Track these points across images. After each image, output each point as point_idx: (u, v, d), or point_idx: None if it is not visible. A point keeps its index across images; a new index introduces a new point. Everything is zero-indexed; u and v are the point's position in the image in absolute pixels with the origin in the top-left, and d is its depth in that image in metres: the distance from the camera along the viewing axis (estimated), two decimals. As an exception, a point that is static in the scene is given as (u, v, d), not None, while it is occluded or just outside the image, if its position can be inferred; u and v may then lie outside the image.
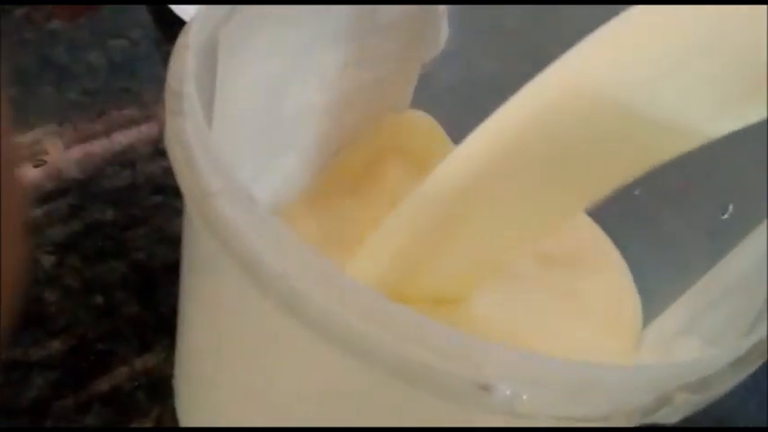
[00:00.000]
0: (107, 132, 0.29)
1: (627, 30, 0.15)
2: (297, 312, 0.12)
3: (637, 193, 0.21)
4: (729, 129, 0.15)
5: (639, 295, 0.23)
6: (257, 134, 0.20)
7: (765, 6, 0.13)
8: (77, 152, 0.28)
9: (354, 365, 0.12)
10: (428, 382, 0.12)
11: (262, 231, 0.12)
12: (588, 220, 0.24)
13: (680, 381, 0.12)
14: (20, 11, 0.32)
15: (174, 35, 0.15)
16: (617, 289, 0.22)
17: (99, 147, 0.29)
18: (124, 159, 0.28)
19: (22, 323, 0.11)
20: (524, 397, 0.11)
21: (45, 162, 0.28)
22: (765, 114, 0.14)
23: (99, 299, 0.25)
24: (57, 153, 0.28)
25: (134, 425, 0.22)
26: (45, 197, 0.27)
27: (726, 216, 0.20)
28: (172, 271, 0.23)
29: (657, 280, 0.22)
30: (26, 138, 0.28)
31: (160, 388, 0.23)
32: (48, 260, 0.25)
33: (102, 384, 0.23)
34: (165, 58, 0.15)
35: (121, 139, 0.29)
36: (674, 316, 0.20)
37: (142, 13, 0.34)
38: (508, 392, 0.11)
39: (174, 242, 0.26)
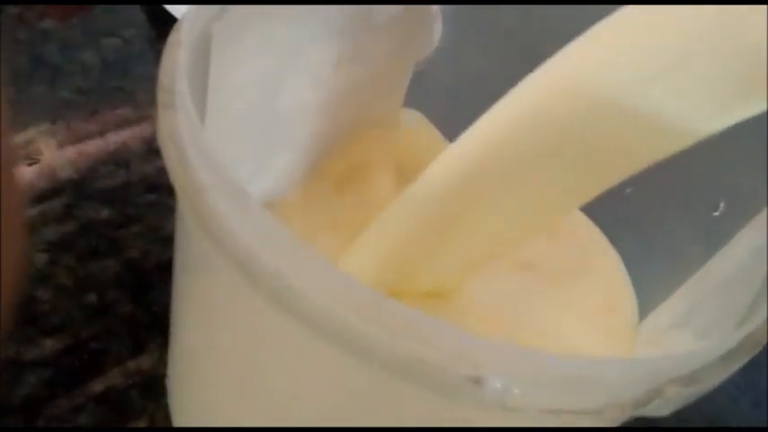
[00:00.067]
0: (100, 131, 0.29)
1: (622, 28, 0.15)
2: (289, 308, 0.12)
3: (628, 191, 0.22)
4: (724, 125, 0.15)
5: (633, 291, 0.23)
6: (250, 131, 0.20)
7: (764, 6, 0.13)
8: (71, 151, 0.28)
9: (347, 361, 0.12)
10: (420, 376, 0.12)
11: (254, 227, 0.12)
12: (582, 217, 0.24)
13: (671, 374, 0.12)
14: (12, 10, 0.32)
15: (167, 34, 0.15)
16: (613, 284, 0.23)
17: (92, 146, 0.29)
18: (118, 158, 0.28)
19: (15, 322, 0.11)
20: (516, 390, 0.11)
21: (38, 161, 0.28)
22: (763, 110, 0.14)
23: (92, 298, 0.24)
24: (50, 152, 0.28)
25: (127, 424, 0.22)
26: (38, 196, 0.26)
27: (717, 213, 0.20)
28: (166, 270, 0.23)
29: (651, 276, 0.22)
30: (19, 137, 0.28)
31: (154, 387, 0.23)
32: (41, 258, 0.25)
33: (96, 383, 0.23)
34: (158, 57, 0.15)
35: (115, 137, 0.29)
36: (667, 311, 0.20)
37: (135, 11, 0.34)
38: (499, 386, 0.11)
39: (168, 241, 0.25)
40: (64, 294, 0.24)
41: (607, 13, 0.16)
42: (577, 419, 0.12)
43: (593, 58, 0.16)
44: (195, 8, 0.16)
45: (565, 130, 0.16)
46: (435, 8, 0.24)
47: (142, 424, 0.22)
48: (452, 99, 0.25)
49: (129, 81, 0.31)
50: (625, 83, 0.15)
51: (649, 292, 0.22)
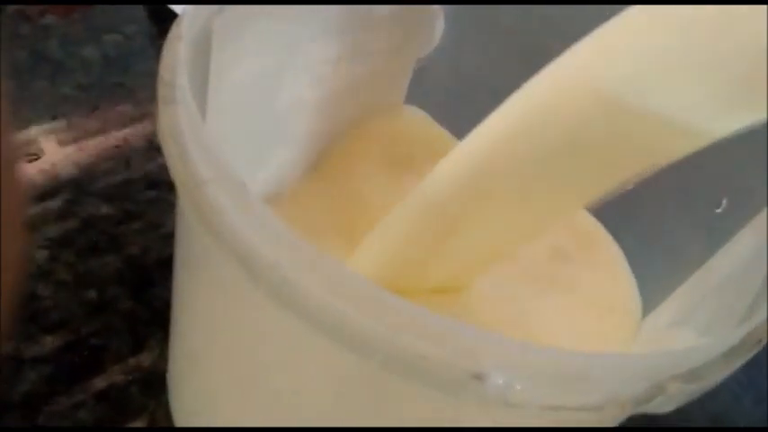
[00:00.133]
0: (101, 127, 0.29)
1: (627, 29, 0.15)
2: (289, 303, 0.12)
3: (630, 188, 0.22)
4: (729, 129, 0.15)
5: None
6: (249, 129, 0.20)
7: (765, 6, 0.13)
8: (71, 147, 0.28)
9: (347, 356, 0.12)
10: (421, 372, 0.11)
11: (255, 222, 0.12)
12: (585, 213, 0.24)
13: (673, 370, 0.12)
14: (13, 6, 0.32)
15: (168, 30, 0.15)
16: (616, 280, 0.23)
17: (93, 142, 0.28)
18: (118, 154, 0.28)
19: (16, 319, 0.11)
20: (517, 386, 0.11)
21: (39, 157, 0.28)
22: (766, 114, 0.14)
23: (93, 294, 0.24)
24: (50, 148, 0.28)
25: (128, 421, 0.22)
26: (39, 192, 0.26)
27: (719, 210, 0.20)
28: (166, 266, 0.22)
29: (653, 273, 0.22)
30: (20, 133, 0.28)
31: (154, 383, 0.23)
32: (41, 255, 0.25)
33: (96, 380, 0.23)
34: (159, 54, 0.15)
35: (116, 133, 0.29)
36: (669, 308, 0.20)
37: (136, 8, 0.34)
38: (501, 381, 0.11)
39: (168, 237, 0.25)
40: (64, 291, 0.24)
41: (607, 13, 0.16)
42: (578, 416, 0.12)
43: (598, 60, 0.16)
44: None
45: (572, 129, 0.16)
46: (436, 6, 0.24)
47: (142, 421, 0.22)
48: (454, 96, 0.25)
49: (131, 77, 0.31)
50: (630, 83, 0.15)
51: (651, 290, 0.22)
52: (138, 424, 0.22)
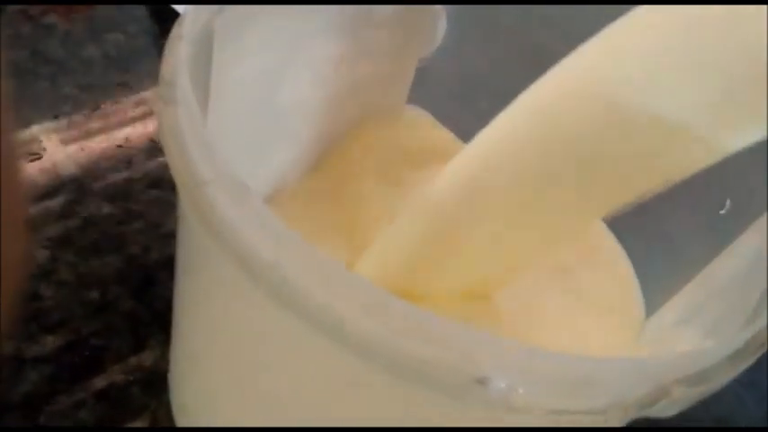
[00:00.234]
0: (103, 127, 0.29)
1: (634, 30, 0.15)
2: (289, 303, 0.12)
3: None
4: (739, 140, 0.15)
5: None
6: (250, 128, 0.20)
7: (764, 6, 0.13)
8: (73, 147, 0.28)
9: (348, 358, 0.12)
10: (424, 375, 0.11)
11: (254, 221, 0.12)
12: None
13: (677, 374, 0.12)
14: (15, 5, 0.32)
15: (170, 30, 0.15)
16: (619, 280, 0.22)
17: (94, 141, 0.28)
18: (120, 154, 0.28)
19: (17, 319, 0.11)
20: (520, 390, 0.11)
21: (40, 156, 0.28)
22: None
23: (94, 294, 0.24)
24: (52, 147, 0.28)
25: (128, 420, 0.22)
26: (40, 192, 0.26)
27: (723, 211, 0.20)
28: (167, 266, 0.22)
29: (657, 274, 0.22)
30: (21, 132, 0.28)
31: (155, 383, 0.23)
32: (42, 255, 0.25)
33: (97, 380, 0.23)
34: (161, 53, 0.15)
35: (117, 133, 0.29)
36: (673, 309, 0.20)
37: (138, 7, 0.34)
38: (504, 386, 0.11)
39: (169, 237, 0.25)
40: (65, 290, 0.24)
41: (607, 13, 0.15)
42: (582, 420, 0.12)
43: (606, 59, 0.16)
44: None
45: (578, 133, 0.16)
46: (439, 6, 0.24)
47: (143, 420, 0.22)
48: (456, 96, 0.25)
49: (132, 77, 0.31)
50: (637, 83, 0.15)
51: (654, 291, 0.22)
52: (139, 424, 0.22)
